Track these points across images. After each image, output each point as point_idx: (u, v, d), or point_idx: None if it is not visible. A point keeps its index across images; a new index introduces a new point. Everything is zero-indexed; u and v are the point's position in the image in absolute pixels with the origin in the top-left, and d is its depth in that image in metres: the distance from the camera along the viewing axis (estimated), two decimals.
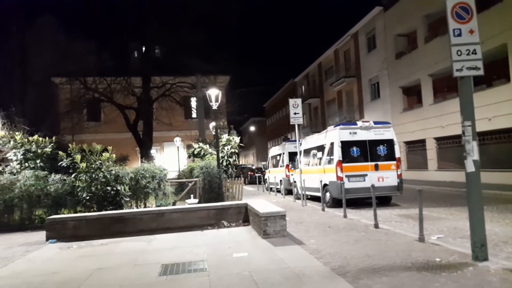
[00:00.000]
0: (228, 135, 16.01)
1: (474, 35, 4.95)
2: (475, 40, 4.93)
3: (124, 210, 9.20)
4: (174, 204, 11.45)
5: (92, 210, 9.76)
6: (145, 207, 10.68)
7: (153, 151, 23.88)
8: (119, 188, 9.97)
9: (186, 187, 12.49)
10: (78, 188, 9.75)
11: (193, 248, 6.37)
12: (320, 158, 12.54)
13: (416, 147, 21.78)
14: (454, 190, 14.45)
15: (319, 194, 11.88)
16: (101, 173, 9.89)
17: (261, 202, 8.50)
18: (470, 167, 4.79)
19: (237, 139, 15.37)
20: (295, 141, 14.91)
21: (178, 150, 25.30)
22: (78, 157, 9.78)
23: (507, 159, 15.29)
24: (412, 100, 22.97)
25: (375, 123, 11.76)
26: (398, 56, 23.19)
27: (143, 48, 20.83)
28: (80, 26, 19.42)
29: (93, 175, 9.85)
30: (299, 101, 13.50)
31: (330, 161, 11.65)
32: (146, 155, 18.99)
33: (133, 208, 10.33)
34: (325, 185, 11.79)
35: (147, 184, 10.63)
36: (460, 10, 4.98)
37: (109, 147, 10.57)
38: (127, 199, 10.20)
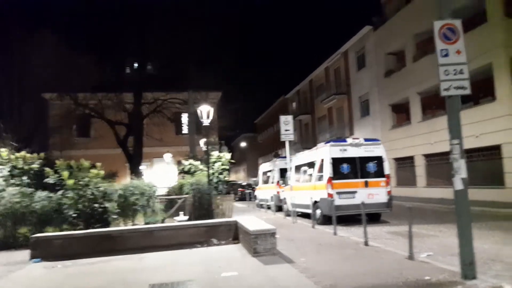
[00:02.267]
0: (219, 151, 15.96)
1: (461, 56, 5.07)
2: (462, 60, 5.05)
3: (112, 228, 9.04)
4: (163, 221, 11.27)
5: (78, 228, 9.56)
6: (133, 224, 10.50)
7: (143, 167, 23.64)
8: (107, 205, 9.80)
9: (176, 204, 12.34)
10: (65, 205, 9.55)
11: (182, 267, 6.26)
12: (311, 175, 12.56)
13: (405, 163, 21.98)
14: (443, 207, 14.54)
15: (309, 211, 11.84)
16: (88, 190, 9.73)
17: (251, 219, 8.44)
18: (458, 185, 4.84)
19: (227, 156, 15.34)
20: (285, 157, 14.95)
21: (168, 166, 25.09)
22: (65, 173, 9.63)
23: (494, 176, 15.50)
24: (401, 117, 23.31)
25: (365, 140, 11.88)
26: (388, 74, 23.62)
27: (136, 64, 20.91)
28: (73, 42, 19.45)
29: (81, 192, 9.68)
30: (290, 117, 13.60)
31: (320, 178, 11.67)
32: (135, 171, 18.80)
33: (121, 226, 10.15)
34: (316, 202, 11.76)
35: (136, 201, 10.47)
36: (447, 31, 5.11)
37: (97, 163, 10.44)
38: (115, 216, 10.02)
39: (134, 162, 20.00)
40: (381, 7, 26.08)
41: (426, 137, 19.29)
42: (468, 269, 4.72)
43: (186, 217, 11.12)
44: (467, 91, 4.96)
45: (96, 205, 9.71)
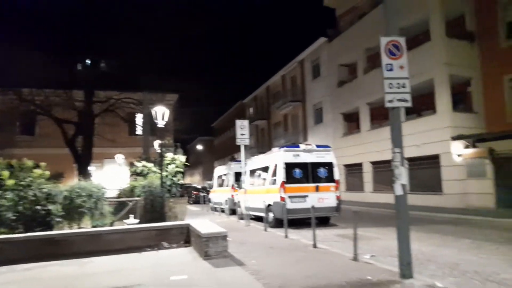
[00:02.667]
0: (174, 153, 15.70)
1: (403, 71, 5.47)
2: (404, 75, 5.45)
3: (56, 232, 8.57)
4: (111, 224, 10.87)
5: (18, 231, 8.94)
6: (79, 228, 10.02)
7: (92, 168, 22.62)
8: (50, 207, 9.26)
9: (126, 207, 11.96)
10: (2, 207, 8.91)
11: (130, 271, 6.10)
12: (265, 179, 12.76)
13: (354, 170, 22.99)
14: (387, 211, 15.39)
15: (262, 214, 12.01)
16: (30, 191, 9.15)
17: (204, 223, 8.41)
18: (399, 190, 5.20)
19: (182, 158, 15.14)
20: (240, 161, 15.05)
21: (120, 167, 24.22)
22: (5, 173, 8.99)
23: (433, 183, 16.71)
24: (352, 126, 24.39)
25: (317, 146, 12.30)
26: (340, 85, 24.63)
27: (88, 61, 20.02)
28: (19, 35, 18.30)
29: (22, 193, 9.08)
30: (246, 122, 13.75)
31: (274, 182, 11.89)
32: (84, 172, 17.95)
33: (66, 229, 9.64)
34: (269, 205, 11.97)
35: (83, 203, 10.01)
36: (393, 47, 5.49)
37: (42, 163, 9.86)
38: (59, 219, 9.51)
39: (82, 163, 19.08)
40: (336, 20, 27.24)
41: (374, 145, 20.34)
42: (406, 269, 5.08)
43: (137, 220, 10.82)
44: (409, 104, 5.35)
45: (38, 207, 9.14)
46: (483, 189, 15.00)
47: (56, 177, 13.88)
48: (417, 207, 15.29)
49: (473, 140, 15.76)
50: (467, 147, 15.93)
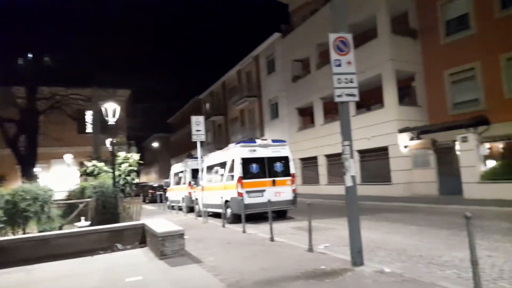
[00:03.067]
0: (127, 151, 15.17)
1: (351, 66, 5.66)
2: (352, 71, 5.64)
3: None
4: (60, 228, 10.32)
5: None
6: (24, 233, 9.40)
7: (38, 170, 21.29)
8: None
9: (76, 209, 11.40)
10: None
11: (81, 276, 5.84)
12: (222, 175, 12.72)
13: (310, 163, 23.60)
14: (341, 202, 15.89)
15: (220, 210, 11.99)
16: None
17: (160, 222, 8.24)
18: (349, 181, 5.41)
19: (136, 156, 14.68)
20: (198, 158, 14.88)
21: (69, 168, 23.00)
22: None
23: (383, 174, 17.59)
24: (306, 121, 24.97)
25: (273, 141, 12.46)
26: (295, 80, 25.09)
27: (29, 55, 18.71)
28: None
29: None
30: (201, 118, 13.57)
31: (231, 178, 11.90)
32: (28, 174, 16.85)
33: (9, 235, 9.01)
34: (227, 201, 11.97)
35: (27, 207, 9.40)
36: (340, 44, 5.65)
37: None
38: (1, 225, 8.87)
39: (26, 164, 17.89)
40: (289, 16, 27.63)
41: (328, 139, 20.98)
42: (357, 257, 5.32)
43: (88, 223, 10.35)
44: (356, 98, 5.57)
45: None
46: (427, 178, 16.04)
47: None
48: (368, 197, 16.03)
49: (417, 132, 16.77)
50: (412, 139, 16.93)
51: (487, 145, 14.30)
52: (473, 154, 13.74)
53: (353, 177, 5.40)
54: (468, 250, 3.80)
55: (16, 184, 16.97)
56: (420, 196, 15.70)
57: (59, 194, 15.47)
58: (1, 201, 8.97)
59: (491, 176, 13.21)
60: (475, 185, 13.47)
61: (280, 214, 12.36)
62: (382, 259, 6.02)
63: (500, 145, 14.49)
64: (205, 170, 14.34)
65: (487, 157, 14.11)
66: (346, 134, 5.47)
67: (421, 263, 5.62)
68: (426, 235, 7.79)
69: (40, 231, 9.50)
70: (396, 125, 17.00)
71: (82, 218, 10.63)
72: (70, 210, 11.93)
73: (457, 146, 14.47)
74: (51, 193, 10.38)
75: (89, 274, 5.90)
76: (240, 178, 11.37)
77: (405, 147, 16.92)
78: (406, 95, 18.67)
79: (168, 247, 6.65)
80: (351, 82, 5.58)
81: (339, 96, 5.50)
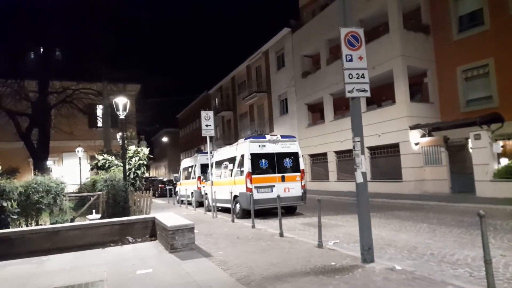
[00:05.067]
0: (138, 145, 15.29)
1: (362, 61, 5.59)
2: (363, 66, 5.57)
3: (10, 229, 8.12)
4: (72, 220, 10.48)
5: None
6: (37, 225, 9.58)
7: (49, 163, 21.59)
8: (4, 204, 8.79)
9: (88, 202, 11.57)
10: None
11: (92, 267, 5.91)
12: (231, 170, 12.75)
13: (319, 159, 23.51)
14: (351, 199, 15.92)
15: (230, 205, 12.03)
16: None
17: (170, 216, 8.29)
18: (359, 178, 5.37)
19: (146, 151, 14.79)
20: (207, 153, 14.93)
21: (80, 161, 23.29)
22: None
23: (393, 171, 17.44)
24: (316, 116, 24.84)
25: (282, 137, 12.42)
26: (304, 75, 24.93)
27: (41, 49, 18.87)
28: None
29: None
30: (211, 113, 13.61)
31: (240, 173, 11.92)
32: (40, 167, 17.08)
33: (22, 227, 9.19)
34: (236, 196, 12.00)
35: (40, 200, 9.57)
36: (352, 39, 5.59)
37: None
38: (15, 216, 9.04)
39: (39, 157, 18.12)
40: (299, 11, 27.43)
41: (337, 135, 20.85)
42: (367, 254, 5.28)
43: (99, 215, 10.51)
44: (367, 94, 5.50)
45: None
46: (439, 175, 15.85)
47: (10, 172, 13.16)
48: (379, 194, 15.92)
49: (429, 129, 16.56)
50: (423, 136, 16.73)
51: (501, 143, 14.06)
52: (486, 151, 13.52)
53: (364, 174, 5.35)
54: (480, 249, 3.75)
55: (29, 176, 17.26)
56: (431, 194, 15.53)
57: (71, 187, 15.70)
58: (15, 193, 9.13)
59: (504, 175, 12.98)
60: (488, 183, 13.27)
61: (289, 210, 12.36)
62: (392, 256, 5.97)
63: None
64: (214, 165, 14.39)
65: (500, 155, 13.88)
66: (357, 130, 5.42)
67: (432, 261, 5.56)
68: (437, 233, 7.71)
69: (52, 223, 9.67)
70: (407, 121, 16.80)
71: (93, 210, 10.79)
72: (81, 202, 12.13)
73: (470, 143, 14.26)
74: (63, 186, 10.55)
75: (100, 266, 5.98)
76: (249, 174, 11.38)
77: (416, 144, 16.73)
78: (417, 91, 18.43)
79: (178, 241, 6.70)
80: (363, 77, 5.52)
81: (350, 91, 5.44)
